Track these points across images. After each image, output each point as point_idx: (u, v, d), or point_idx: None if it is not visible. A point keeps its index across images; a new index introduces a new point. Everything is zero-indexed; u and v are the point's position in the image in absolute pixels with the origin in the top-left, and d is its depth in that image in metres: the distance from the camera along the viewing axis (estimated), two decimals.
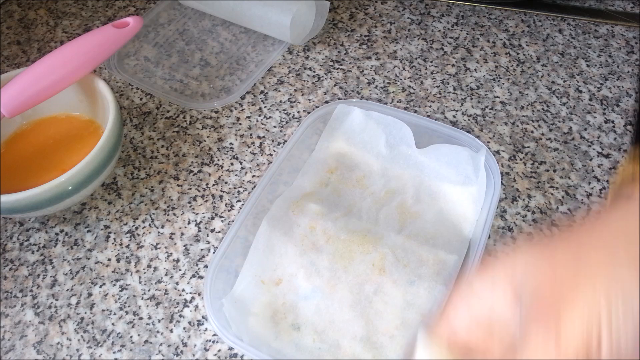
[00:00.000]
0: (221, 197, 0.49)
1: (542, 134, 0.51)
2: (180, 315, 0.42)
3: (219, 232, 0.46)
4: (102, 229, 0.47)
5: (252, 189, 0.49)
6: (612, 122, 0.52)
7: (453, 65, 0.57)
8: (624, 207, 0.26)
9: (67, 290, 0.44)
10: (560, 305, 0.22)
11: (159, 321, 0.42)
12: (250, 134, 0.53)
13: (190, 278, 0.44)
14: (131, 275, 0.44)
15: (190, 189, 0.49)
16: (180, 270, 0.44)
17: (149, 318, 0.42)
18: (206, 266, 0.44)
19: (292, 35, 0.57)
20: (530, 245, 0.26)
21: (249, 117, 0.54)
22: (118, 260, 0.45)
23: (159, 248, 0.46)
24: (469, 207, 0.45)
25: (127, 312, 0.42)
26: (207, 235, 0.46)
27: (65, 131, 0.50)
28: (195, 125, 0.54)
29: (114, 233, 0.47)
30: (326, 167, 0.48)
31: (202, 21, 0.64)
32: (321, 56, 0.59)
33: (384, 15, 0.63)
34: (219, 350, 0.40)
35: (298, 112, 0.54)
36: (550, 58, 0.58)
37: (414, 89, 0.55)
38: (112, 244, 0.46)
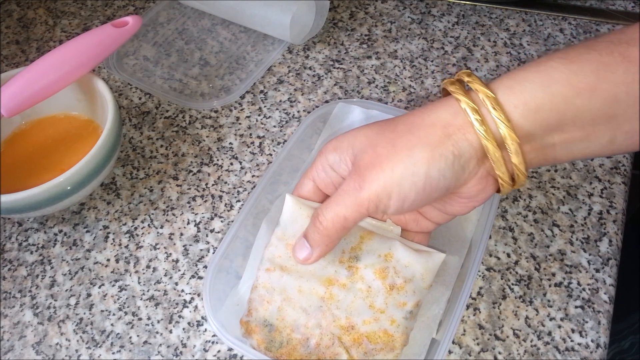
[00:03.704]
0: (221, 197, 0.48)
1: None
2: (179, 316, 0.42)
3: (218, 232, 0.46)
4: (101, 229, 0.47)
5: (252, 189, 0.49)
6: None
7: (454, 65, 0.57)
8: (442, 102, 0.32)
9: (66, 290, 0.44)
10: (369, 172, 0.32)
11: (158, 322, 0.42)
12: (250, 134, 0.53)
13: (190, 278, 0.44)
14: (130, 275, 0.44)
15: (190, 189, 0.49)
16: (179, 270, 0.44)
17: (148, 319, 0.42)
18: (205, 267, 0.44)
19: (292, 34, 0.57)
20: (369, 124, 0.34)
21: (248, 117, 0.54)
22: (117, 261, 0.45)
23: (158, 248, 0.45)
24: None
25: (126, 313, 0.42)
26: (207, 236, 0.46)
27: (64, 131, 0.50)
28: (194, 125, 0.54)
29: (113, 233, 0.47)
30: None
31: (202, 20, 0.63)
32: (321, 55, 0.59)
33: (385, 14, 0.63)
34: (219, 351, 0.40)
35: (298, 111, 0.54)
36: None
37: (415, 89, 0.55)
38: (111, 244, 0.46)
